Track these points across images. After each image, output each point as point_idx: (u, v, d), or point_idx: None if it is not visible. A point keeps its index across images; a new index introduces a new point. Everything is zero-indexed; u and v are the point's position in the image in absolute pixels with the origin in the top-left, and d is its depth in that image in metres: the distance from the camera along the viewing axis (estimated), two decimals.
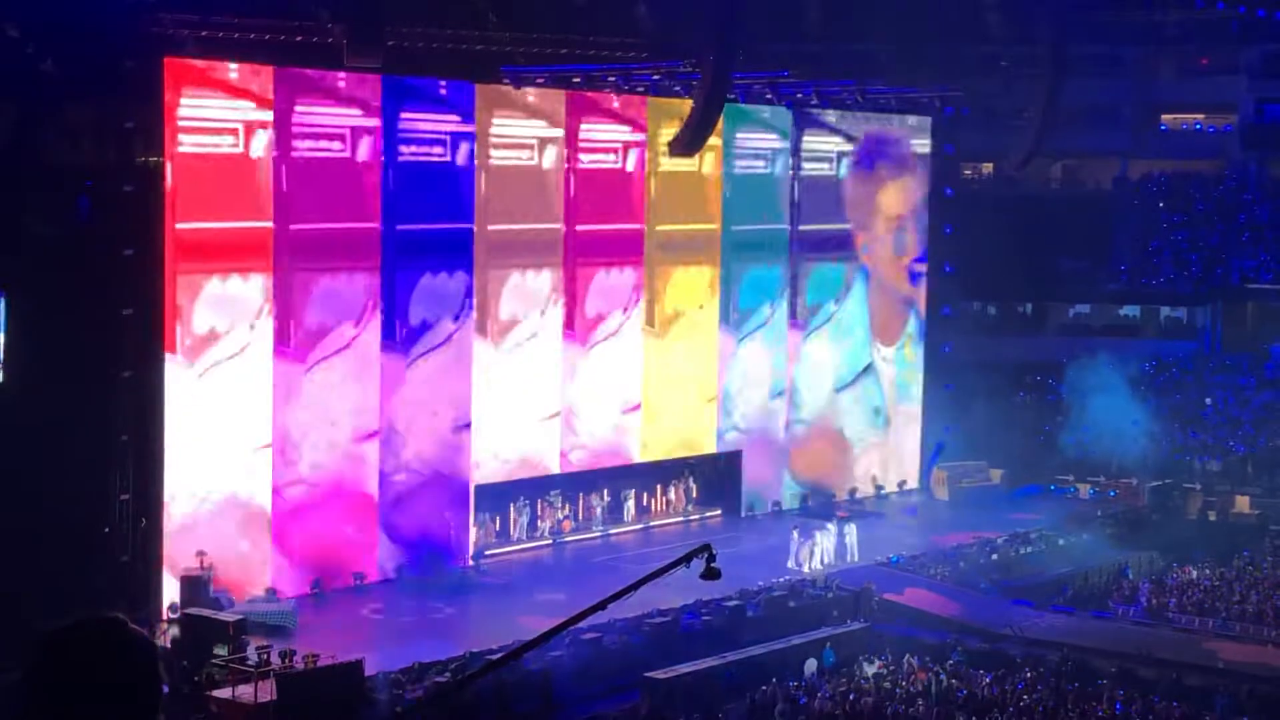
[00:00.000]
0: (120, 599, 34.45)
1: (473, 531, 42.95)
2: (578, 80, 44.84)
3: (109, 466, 35.62)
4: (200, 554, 35.89)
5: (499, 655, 8.28)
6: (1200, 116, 69.18)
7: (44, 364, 35.28)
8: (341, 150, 39.97)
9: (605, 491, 46.69)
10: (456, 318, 42.40)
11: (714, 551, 9.03)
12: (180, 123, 36.60)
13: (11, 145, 38.67)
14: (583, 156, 45.21)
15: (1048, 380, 59.37)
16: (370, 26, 38.50)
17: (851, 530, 44.48)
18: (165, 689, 4.31)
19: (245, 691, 30.14)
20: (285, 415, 38.96)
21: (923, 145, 55.11)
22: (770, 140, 50.48)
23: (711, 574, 9.11)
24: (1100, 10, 57.70)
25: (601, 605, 8.45)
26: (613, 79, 45.41)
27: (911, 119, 54.12)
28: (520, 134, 43.84)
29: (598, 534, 46.09)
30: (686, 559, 8.88)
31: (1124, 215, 64.34)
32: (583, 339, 45.58)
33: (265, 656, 32.05)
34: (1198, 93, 67.88)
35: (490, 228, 43.05)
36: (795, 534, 44.26)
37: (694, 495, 49.51)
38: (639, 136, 46.55)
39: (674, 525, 47.75)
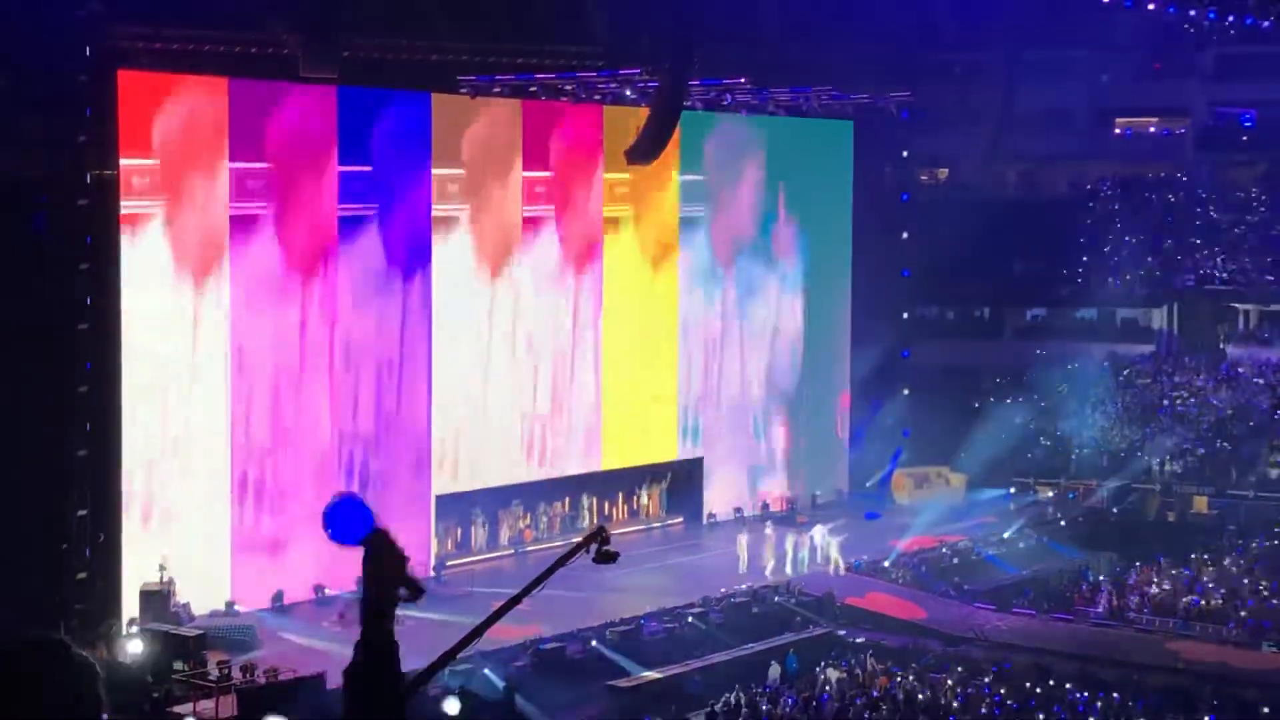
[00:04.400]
0: (76, 616, 34.32)
1: (433, 543, 42.82)
2: (534, 89, 44.75)
3: (66, 482, 35.39)
4: (161, 567, 35.69)
5: (428, 664, 8.11)
6: (1154, 121, 69.54)
7: (12, 384, 35.14)
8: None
9: (567, 501, 46.63)
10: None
11: (607, 535, 8.86)
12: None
13: None
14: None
15: (1006, 383, 59.59)
16: (325, 36, 38.40)
17: (818, 533, 44.42)
18: (105, 715, 4.24)
19: (206, 707, 30.00)
20: (244, 426, 38.87)
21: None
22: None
23: (605, 557, 8.93)
24: (1052, 15, 57.85)
25: (497, 615, 8.22)
26: (570, 88, 45.35)
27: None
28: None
29: (559, 544, 46.00)
30: (583, 545, 8.70)
31: (1079, 219, 64.55)
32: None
33: (226, 671, 31.93)
34: (1151, 97, 68.26)
35: None
36: (744, 540, 44.23)
37: (664, 502, 49.55)
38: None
39: (636, 532, 47.72)
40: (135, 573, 35.96)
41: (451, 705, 34.39)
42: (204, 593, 37.01)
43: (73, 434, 35.56)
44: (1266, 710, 33.85)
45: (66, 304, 35.56)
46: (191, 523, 37.69)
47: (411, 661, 4.99)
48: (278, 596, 38.68)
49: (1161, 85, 67.50)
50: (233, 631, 34.71)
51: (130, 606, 35.68)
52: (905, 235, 55.91)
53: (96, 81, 35.88)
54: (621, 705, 34.18)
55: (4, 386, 35.10)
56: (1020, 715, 33.51)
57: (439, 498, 43.19)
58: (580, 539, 8.59)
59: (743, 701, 34.88)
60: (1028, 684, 35.95)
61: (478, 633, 8.42)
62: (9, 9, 34.54)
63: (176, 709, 30.24)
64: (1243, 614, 41.65)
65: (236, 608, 37.47)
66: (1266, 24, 61.70)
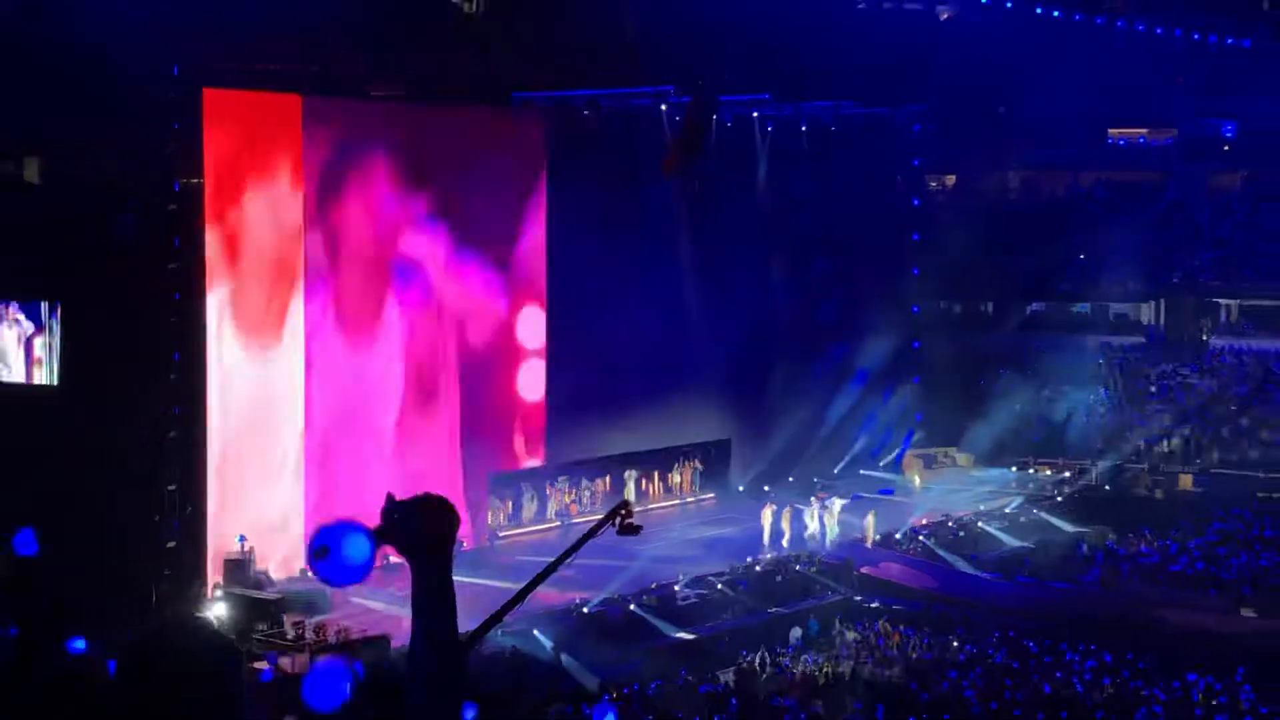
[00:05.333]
0: (167, 581, 34.58)
1: (488, 514, 42.99)
2: (579, 105, 44.80)
3: (158, 460, 35.64)
4: (242, 538, 35.96)
5: (482, 622, 8.17)
6: (1144, 131, 69.23)
7: (96, 368, 35.34)
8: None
9: (608, 478, 46.66)
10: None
11: (630, 509, 8.89)
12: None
13: (64, 168, 38.75)
14: None
15: (1008, 372, 59.52)
16: (393, 57, 38.55)
17: (833, 508, 44.39)
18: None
19: (284, 662, 30.21)
20: (318, 404, 38.99)
21: None
22: None
23: (628, 530, 8.95)
24: (1053, 35, 57.72)
25: (536, 582, 8.24)
26: (608, 104, 45.39)
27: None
28: None
29: (600, 517, 45.99)
30: (609, 519, 8.75)
31: (1075, 221, 64.46)
32: None
33: (301, 631, 32.19)
34: (1141, 109, 68.01)
35: None
36: (770, 511, 44.21)
37: (696, 479, 49.60)
38: None
39: (672, 507, 47.77)
40: (219, 542, 36.23)
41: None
42: (281, 561, 37.21)
43: (163, 417, 35.82)
44: (1244, 669, 33.74)
45: (155, 298, 35.75)
46: (270, 496, 37.91)
47: (469, 622, 5.04)
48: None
49: (1151, 98, 67.14)
50: (307, 595, 34.86)
51: (215, 573, 35.97)
52: (916, 237, 55.88)
53: (184, 98, 36.09)
54: (657, 663, 34.26)
55: (101, 374, 35.33)
56: (1019, 673, 33.49)
57: (492, 475, 43.30)
58: (606, 514, 8.66)
59: (767, 660, 35.01)
60: (1026, 645, 35.97)
61: (523, 595, 8.50)
62: (106, 33, 34.71)
63: (256, 665, 30.46)
64: (1224, 582, 41.60)
65: (310, 574, 37.69)
66: (1246, 43, 61.56)
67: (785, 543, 43.06)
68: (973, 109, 57.02)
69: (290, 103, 38.48)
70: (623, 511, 9.03)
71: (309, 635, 31.99)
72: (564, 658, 33.73)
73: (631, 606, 36.86)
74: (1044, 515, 48.36)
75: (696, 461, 49.78)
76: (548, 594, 32.64)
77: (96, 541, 31.77)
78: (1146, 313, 63.52)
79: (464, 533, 40.91)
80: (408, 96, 40.38)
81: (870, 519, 44.24)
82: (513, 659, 32.52)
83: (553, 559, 8.30)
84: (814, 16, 47.01)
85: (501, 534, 42.89)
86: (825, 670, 34.32)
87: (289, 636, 32.01)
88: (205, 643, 4.00)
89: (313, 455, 38.84)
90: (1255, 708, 31.13)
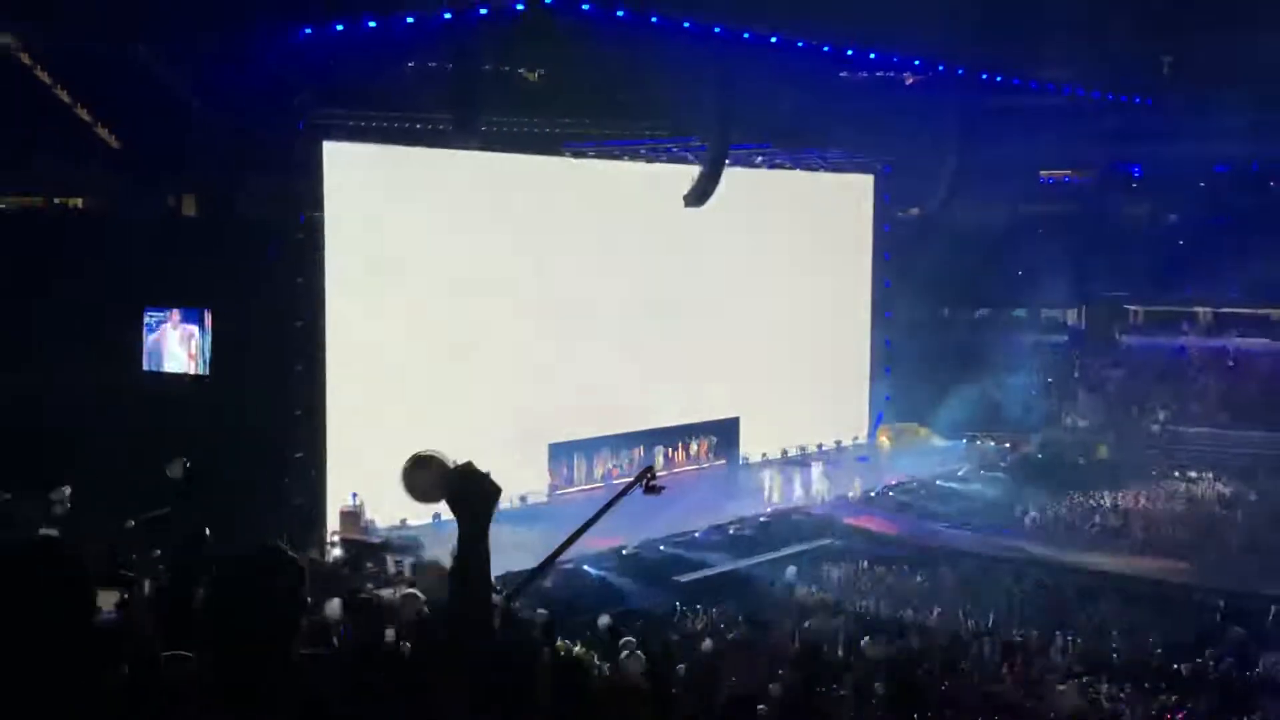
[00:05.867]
0: (295, 529, 34.82)
1: (548, 476, 43.09)
2: (618, 153, 44.93)
3: (287, 434, 35.88)
4: (354, 494, 36.12)
5: (538, 563, 8.26)
6: (1069, 172, 69.04)
7: (238, 361, 35.61)
8: None
9: (642, 447, 46.71)
10: None
11: (654, 473, 8.84)
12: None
13: (220, 207, 39.20)
14: None
15: (962, 363, 59.49)
16: (472, 115, 38.68)
17: (817, 470, 44.45)
18: (308, 598, 4.11)
19: (387, 593, 30.29)
20: (423, 382, 39.07)
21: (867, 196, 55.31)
22: None
23: (652, 490, 8.89)
24: (996, 98, 57.65)
25: (579, 533, 8.24)
26: (644, 151, 45.51)
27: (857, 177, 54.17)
28: None
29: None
30: (636, 481, 8.71)
31: (1014, 244, 64.45)
32: None
33: (400, 569, 32.33)
34: (1068, 155, 67.95)
35: None
36: (767, 476, 44.27)
37: (711, 449, 49.60)
38: None
39: (692, 471, 47.83)
40: (336, 497, 36.46)
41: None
42: (385, 513, 37.39)
43: (291, 398, 36.09)
44: (1150, 601, 33.72)
45: (285, 306, 36.13)
46: (376, 460, 37.87)
47: (532, 561, 5.04)
48: (436, 515, 38.87)
49: (1075, 147, 66.95)
50: (405, 540, 35.02)
51: (333, 523, 36.22)
52: (888, 257, 55.79)
53: (307, 148, 36.34)
54: (685, 593, 34.43)
55: (242, 366, 35.58)
56: (973, 602, 33.51)
57: (551, 444, 43.45)
58: (632, 478, 8.64)
59: (768, 592, 35.14)
60: (975, 579, 36.01)
61: (568, 543, 8.53)
62: (248, 99, 35.07)
63: (364, 594, 30.55)
64: (1133, 532, 41.56)
65: (409, 523, 37.82)
66: (1150, 102, 61.37)
67: (778, 498, 43.14)
68: (932, 155, 56.94)
69: (392, 152, 38.67)
70: (648, 475, 8.99)
71: (407, 572, 32.12)
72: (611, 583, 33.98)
73: (661, 548, 36.99)
74: (990, 478, 48.30)
75: (712, 436, 49.74)
76: (595, 540, 32.71)
77: (236, 497, 32.03)
78: (1071, 316, 63.41)
79: (532, 489, 41.15)
80: (482, 147, 40.48)
81: (856, 481, 44.28)
82: (570, 583, 32.68)
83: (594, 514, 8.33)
84: (806, 84, 47.19)
85: (559, 491, 43.03)
86: (816, 598, 34.39)
87: (390, 572, 32.15)
88: (277, 560, 4.00)
89: (410, 429, 38.88)
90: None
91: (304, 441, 36.28)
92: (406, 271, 38.83)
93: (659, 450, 47.13)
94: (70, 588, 3.58)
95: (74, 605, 3.58)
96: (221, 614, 3.88)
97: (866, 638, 26.76)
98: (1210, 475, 49.24)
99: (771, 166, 50.43)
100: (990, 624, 31.47)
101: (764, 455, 49.70)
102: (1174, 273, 61.64)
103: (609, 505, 8.42)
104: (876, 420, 55.42)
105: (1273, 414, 53.69)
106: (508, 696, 4.55)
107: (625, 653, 16.55)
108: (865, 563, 38.05)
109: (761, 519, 40.78)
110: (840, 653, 27.44)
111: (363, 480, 37.09)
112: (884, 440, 54.03)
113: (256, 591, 3.88)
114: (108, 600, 8.02)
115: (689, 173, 44.97)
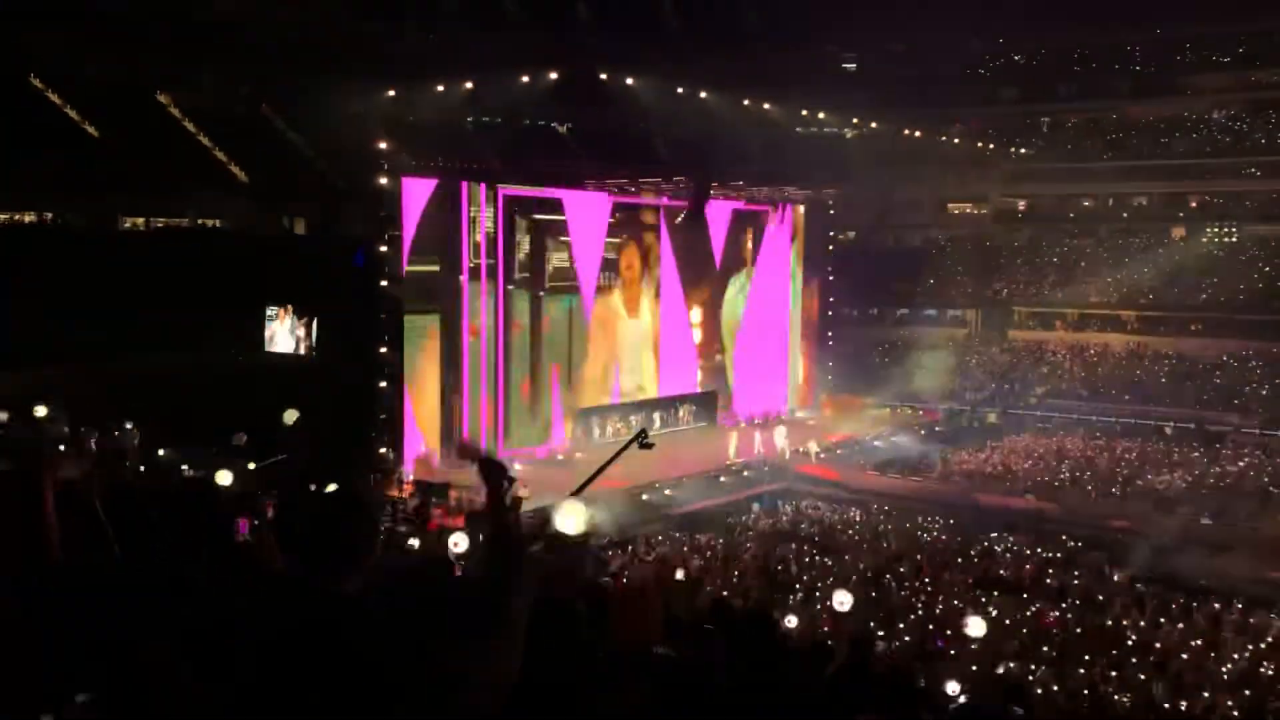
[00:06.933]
0: (379, 473, 34.83)
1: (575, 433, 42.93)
2: (625, 187, 44.72)
3: (375, 401, 35.84)
4: (425, 446, 36.06)
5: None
6: (970, 205, 68.82)
7: (336, 345, 35.57)
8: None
9: (642, 413, 46.52)
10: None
11: (646, 433, 8.78)
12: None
13: (323, 227, 39.07)
14: None
15: (888, 349, 59.42)
16: (517, 158, 38.50)
17: (779, 432, 44.29)
18: (380, 529, 4.01)
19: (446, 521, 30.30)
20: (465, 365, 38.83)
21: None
22: None
23: (645, 446, 8.84)
24: (914, 145, 57.40)
25: (595, 476, 8.17)
26: (647, 187, 45.35)
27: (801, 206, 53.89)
28: None
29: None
30: (633, 440, 8.66)
31: (928, 259, 64.52)
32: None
33: (460, 503, 32.18)
34: (967, 190, 67.85)
35: None
36: (735, 436, 43.99)
37: (694, 415, 49.35)
38: None
39: (679, 432, 47.64)
40: (411, 449, 36.34)
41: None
42: (447, 459, 37.32)
43: (376, 372, 36.02)
44: (1025, 532, 33.62)
45: (372, 303, 35.91)
46: (437, 423, 37.95)
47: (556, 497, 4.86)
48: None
49: (973, 183, 67.00)
50: (463, 482, 34.89)
51: (409, 469, 36.11)
52: (829, 270, 55.59)
53: (389, 181, 36.18)
54: (673, 522, 34.33)
55: (338, 349, 35.57)
56: (900, 533, 33.40)
57: (579, 410, 43.26)
58: (630, 437, 8.60)
59: (738, 522, 35.04)
60: (894, 513, 35.96)
61: (585, 485, 8.49)
62: (342, 143, 34.97)
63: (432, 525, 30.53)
64: (1016, 476, 41.48)
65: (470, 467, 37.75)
66: (1031, 150, 61.19)
67: (734, 453, 42.91)
68: (866, 191, 56.96)
69: (454, 185, 38.53)
70: (643, 435, 8.96)
71: (465, 505, 32.03)
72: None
73: (655, 485, 36.81)
74: (909, 437, 48.18)
75: (693, 405, 49.53)
76: (606, 482, 32.51)
77: (334, 452, 32.06)
78: (970, 316, 63.18)
79: (560, 447, 41.08)
80: (523, 183, 40.29)
81: (811, 441, 44.14)
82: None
83: (603, 464, 8.30)
84: (770, 137, 47.26)
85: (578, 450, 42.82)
86: (774, 528, 34.32)
87: (452, 507, 32.05)
88: (355, 495, 3.89)
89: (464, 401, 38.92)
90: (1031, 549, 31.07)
91: (387, 406, 36.19)
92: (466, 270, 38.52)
93: (654, 416, 47.00)
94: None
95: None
96: (314, 535, 3.83)
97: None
98: (1076, 437, 49.24)
99: (746, 200, 50.20)
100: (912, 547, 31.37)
101: (736, 420, 49.53)
102: (1052, 281, 61.57)
103: (614, 458, 8.45)
104: (821, 393, 55.23)
105: (1124, 392, 53.72)
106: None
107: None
108: (814, 501, 37.97)
109: (732, 468, 40.63)
110: (794, 569, 27.41)
111: (431, 434, 37.17)
112: (827, 409, 53.89)
113: (338, 520, 3.78)
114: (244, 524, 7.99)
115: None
